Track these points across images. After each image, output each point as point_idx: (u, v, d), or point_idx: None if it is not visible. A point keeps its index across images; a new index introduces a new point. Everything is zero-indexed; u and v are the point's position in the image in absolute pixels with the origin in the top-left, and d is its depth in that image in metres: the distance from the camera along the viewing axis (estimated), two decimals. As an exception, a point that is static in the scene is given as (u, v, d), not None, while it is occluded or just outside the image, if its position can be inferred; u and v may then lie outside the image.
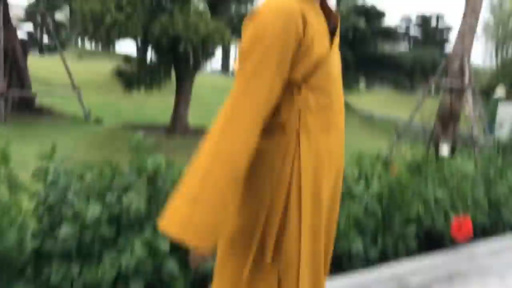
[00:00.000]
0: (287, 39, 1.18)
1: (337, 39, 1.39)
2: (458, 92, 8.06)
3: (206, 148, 1.19)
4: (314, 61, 1.25)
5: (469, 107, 8.00)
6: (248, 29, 1.21)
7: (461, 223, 3.38)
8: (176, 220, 1.17)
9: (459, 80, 8.00)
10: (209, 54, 9.76)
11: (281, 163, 1.25)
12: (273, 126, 1.25)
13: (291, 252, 1.25)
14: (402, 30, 32.80)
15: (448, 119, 8.08)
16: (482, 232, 4.10)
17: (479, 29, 42.26)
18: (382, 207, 3.20)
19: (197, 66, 9.41)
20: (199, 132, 8.90)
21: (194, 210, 1.15)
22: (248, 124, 1.17)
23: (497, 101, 15.75)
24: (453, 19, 50.60)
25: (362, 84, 25.46)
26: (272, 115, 1.24)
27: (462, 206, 3.72)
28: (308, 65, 1.24)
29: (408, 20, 32.91)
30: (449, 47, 31.65)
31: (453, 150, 8.24)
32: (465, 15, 8.26)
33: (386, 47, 18.10)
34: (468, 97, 7.97)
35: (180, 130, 9.37)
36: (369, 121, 16.98)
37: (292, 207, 1.25)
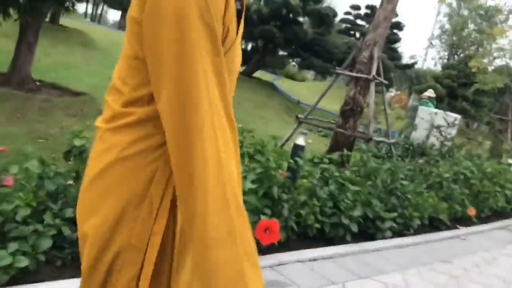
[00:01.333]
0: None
1: (242, 24, 1.13)
2: (365, 83, 7.69)
3: None
4: (226, 46, 1.03)
5: (371, 101, 7.62)
6: None
7: (267, 225, 2.89)
8: None
9: (366, 71, 7.62)
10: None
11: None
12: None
13: None
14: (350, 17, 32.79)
15: (349, 110, 7.71)
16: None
17: (436, 33, 43.68)
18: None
19: (42, 6, 7.16)
20: (43, 90, 7.83)
21: None
22: None
23: (425, 103, 15.89)
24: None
25: (294, 68, 25.24)
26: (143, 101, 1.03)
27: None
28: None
29: (356, 7, 32.80)
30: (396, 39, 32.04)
31: (351, 145, 7.93)
32: (381, 4, 7.88)
33: (330, 34, 17.89)
34: (371, 89, 7.59)
35: (17, 83, 7.54)
36: (296, 106, 16.71)
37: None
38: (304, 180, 4.07)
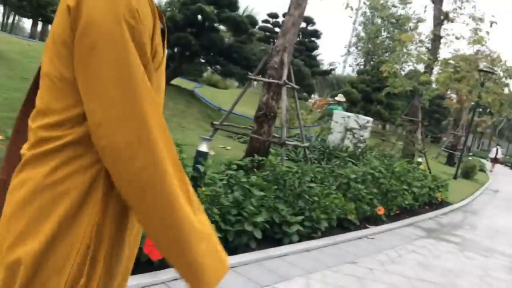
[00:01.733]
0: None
1: (166, 44, 1.14)
2: (276, 89, 7.69)
3: None
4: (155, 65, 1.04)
5: (283, 105, 7.64)
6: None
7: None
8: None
9: (277, 76, 7.64)
10: None
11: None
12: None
13: None
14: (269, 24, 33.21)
15: (263, 116, 7.68)
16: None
17: (353, 40, 45.57)
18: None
19: None
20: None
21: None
22: None
23: (335, 107, 16.39)
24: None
25: (217, 76, 25.16)
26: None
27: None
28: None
29: (274, 16, 33.34)
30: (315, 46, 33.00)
31: (267, 150, 7.90)
32: (289, 9, 7.96)
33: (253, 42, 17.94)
34: (283, 94, 7.61)
35: None
36: (217, 114, 16.57)
37: None
38: (203, 188, 3.90)
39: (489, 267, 5.70)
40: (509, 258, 6.45)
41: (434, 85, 15.34)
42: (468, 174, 18.51)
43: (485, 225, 8.91)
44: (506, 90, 25.15)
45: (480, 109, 28.17)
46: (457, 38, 15.29)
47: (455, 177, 17.05)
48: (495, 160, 29.27)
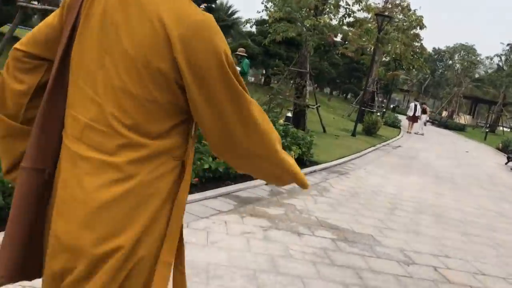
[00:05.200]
0: None
1: None
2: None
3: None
4: None
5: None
6: (217, 34, 1.12)
7: None
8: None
9: None
10: None
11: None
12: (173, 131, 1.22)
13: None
14: None
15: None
16: None
17: None
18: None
19: None
20: None
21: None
22: None
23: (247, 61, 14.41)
24: None
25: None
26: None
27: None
28: None
29: None
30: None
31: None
32: None
33: None
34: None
35: None
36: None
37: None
38: None
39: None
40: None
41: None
42: (370, 130, 17.22)
43: (345, 188, 7.28)
44: (416, 43, 24.18)
45: (396, 64, 27.09)
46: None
47: (353, 134, 15.66)
48: (413, 118, 24.21)
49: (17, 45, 1.31)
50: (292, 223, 4.86)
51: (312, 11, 12.84)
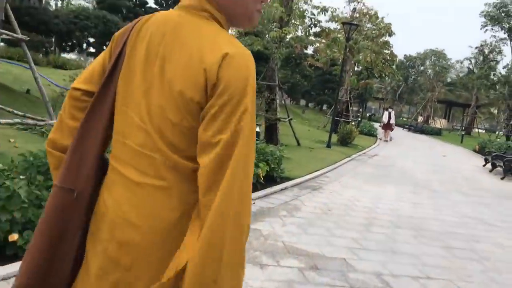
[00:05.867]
0: None
1: None
2: None
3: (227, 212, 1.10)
4: None
5: None
6: (245, 67, 1.13)
7: None
8: None
9: None
10: None
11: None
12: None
13: None
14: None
15: None
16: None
17: None
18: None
19: None
20: None
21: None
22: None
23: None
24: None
25: None
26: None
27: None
28: None
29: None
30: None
31: None
32: None
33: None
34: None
35: None
36: None
37: None
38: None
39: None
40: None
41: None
42: (345, 141, 16.88)
43: (318, 205, 6.80)
44: (386, 51, 24.11)
45: (368, 72, 26.98)
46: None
47: (328, 146, 15.28)
48: (387, 126, 23.77)
49: (74, 84, 1.35)
50: (255, 252, 4.33)
51: (275, 24, 12.48)
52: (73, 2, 29.88)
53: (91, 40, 25.39)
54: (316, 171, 9.80)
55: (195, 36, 1.15)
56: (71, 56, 36.67)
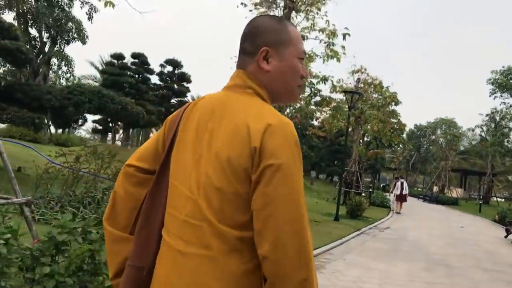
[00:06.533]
0: None
1: None
2: None
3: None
4: None
5: None
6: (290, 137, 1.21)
7: None
8: None
9: None
10: None
11: None
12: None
13: None
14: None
15: None
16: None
17: None
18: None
19: None
20: None
21: None
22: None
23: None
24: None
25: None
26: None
27: None
28: None
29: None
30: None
31: None
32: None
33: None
34: None
35: None
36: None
37: None
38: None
39: None
40: None
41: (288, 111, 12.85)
42: (354, 213, 16.01)
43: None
44: (394, 120, 23.80)
45: (377, 142, 26.53)
46: (308, 55, 13.08)
47: (336, 219, 14.43)
48: (401, 198, 22.07)
49: (128, 162, 1.47)
50: None
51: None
52: (83, 82, 30.92)
53: (88, 116, 25.95)
54: (320, 247, 8.97)
55: (241, 108, 1.25)
56: (81, 132, 37.14)
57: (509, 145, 41.34)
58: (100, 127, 31.43)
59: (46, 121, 19.64)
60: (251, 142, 1.17)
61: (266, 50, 1.33)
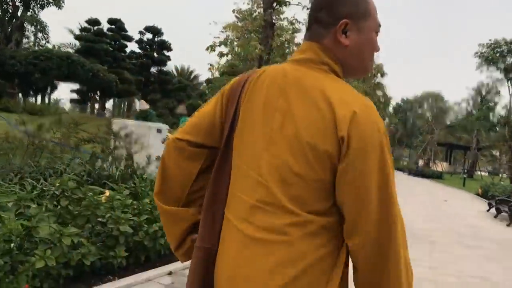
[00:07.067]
0: None
1: None
2: None
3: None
4: None
5: None
6: (378, 123, 1.15)
7: None
8: None
9: None
10: None
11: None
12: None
13: None
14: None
15: None
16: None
17: None
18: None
19: None
20: None
21: None
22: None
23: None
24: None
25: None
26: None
27: None
28: None
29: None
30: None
31: None
32: None
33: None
34: None
35: None
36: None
37: None
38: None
39: None
40: None
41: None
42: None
43: None
44: (379, 92, 23.41)
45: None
46: (291, 23, 12.45)
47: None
48: None
49: (178, 135, 1.40)
50: None
51: (254, 62, 11.67)
52: (62, 50, 29.72)
53: (64, 84, 25.09)
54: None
55: (320, 89, 1.16)
56: (64, 102, 36.24)
57: (494, 120, 41.38)
58: (78, 97, 30.52)
59: (14, 88, 18.73)
60: (338, 130, 1.11)
61: (346, 22, 1.23)
